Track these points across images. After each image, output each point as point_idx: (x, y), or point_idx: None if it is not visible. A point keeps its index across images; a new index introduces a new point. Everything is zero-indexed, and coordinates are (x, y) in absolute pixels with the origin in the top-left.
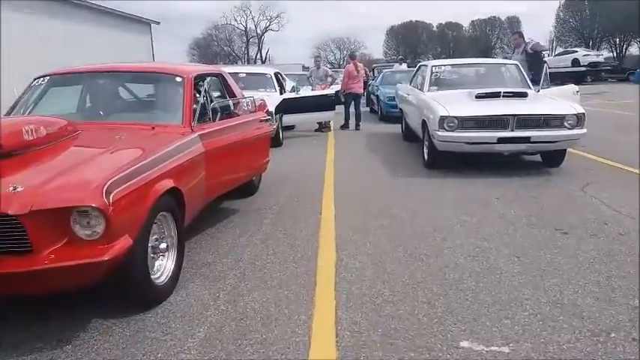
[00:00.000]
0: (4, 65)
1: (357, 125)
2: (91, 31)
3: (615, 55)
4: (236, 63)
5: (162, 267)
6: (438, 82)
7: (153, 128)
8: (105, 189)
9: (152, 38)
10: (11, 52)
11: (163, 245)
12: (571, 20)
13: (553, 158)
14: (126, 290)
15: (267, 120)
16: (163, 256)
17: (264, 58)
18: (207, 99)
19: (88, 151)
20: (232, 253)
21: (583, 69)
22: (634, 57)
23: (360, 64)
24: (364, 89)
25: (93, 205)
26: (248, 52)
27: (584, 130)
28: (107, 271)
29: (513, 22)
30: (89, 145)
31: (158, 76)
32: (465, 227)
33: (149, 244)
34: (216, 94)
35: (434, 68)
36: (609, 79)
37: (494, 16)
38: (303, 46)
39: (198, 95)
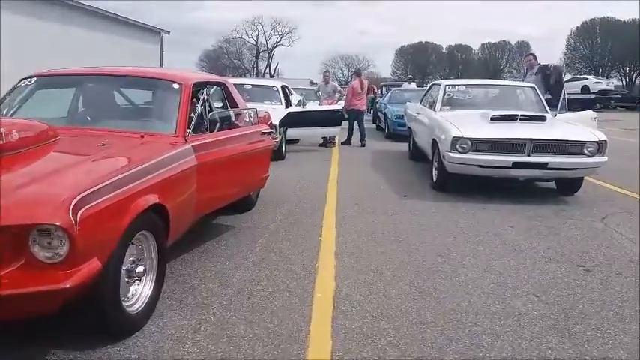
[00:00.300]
0: (7, 70)
1: (363, 142)
2: (100, 38)
3: (625, 83)
4: (245, 76)
5: (138, 293)
6: (451, 102)
7: (142, 137)
8: (72, 204)
9: (162, 47)
10: (16, 57)
11: (140, 268)
12: (581, 47)
13: (569, 186)
14: (93, 318)
15: (269, 133)
16: (140, 280)
17: (272, 72)
18: (205, 108)
19: (64, 159)
20: (220, 276)
21: (592, 96)
22: None
23: (366, 81)
24: (373, 106)
25: (56, 223)
26: (257, 66)
27: (605, 159)
28: (70, 299)
29: (523, 47)
30: (67, 153)
31: (154, 82)
32: (478, 258)
33: (123, 267)
34: (217, 104)
35: (447, 87)
36: (618, 107)
37: (504, 41)
38: (312, 62)
39: (196, 104)
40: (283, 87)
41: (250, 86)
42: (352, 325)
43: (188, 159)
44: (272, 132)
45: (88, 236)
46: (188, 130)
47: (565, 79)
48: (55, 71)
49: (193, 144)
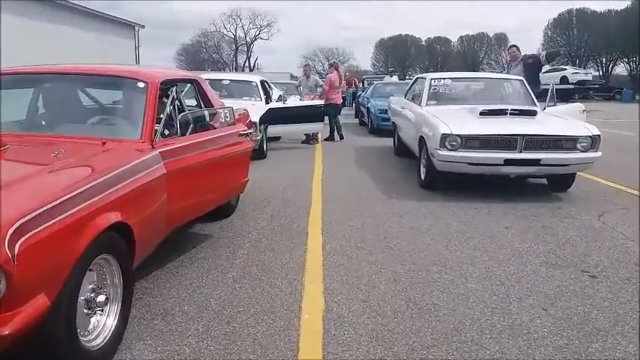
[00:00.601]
0: None
1: (341, 135)
2: (70, 32)
3: (601, 73)
4: (224, 70)
5: (100, 326)
6: (437, 97)
7: (103, 143)
8: (9, 234)
9: (138, 42)
10: None
11: (102, 298)
12: (559, 38)
13: (561, 182)
14: (45, 358)
15: (247, 134)
16: (102, 311)
17: (252, 67)
18: (174, 109)
19: (8, 173)
20: (197, 296)
21: (571, 86)
22: (621, 76)
23: (348, 74)
24: (354, 100)
25: None
26: (236, 60)
27: (599, 154)
28: (11, 346)
29: (501, 39)
30: (12, 166)
31: (117, 81)
32: (476, 266)
33: (81, 298)
34: (188, 103)
35: (433, 81)
36: (595, 97)
37: (483, 32)
38: (292, 56)
39: (165, 104)
40: (262, 82)
41: (228, 82)
42: (345, 354)
43: (155, 167)
44: (251, 132)
45: (31, 270)
46: (156, 135)
47: (544, 70)
48: (4, 70)
49: (162, 150)
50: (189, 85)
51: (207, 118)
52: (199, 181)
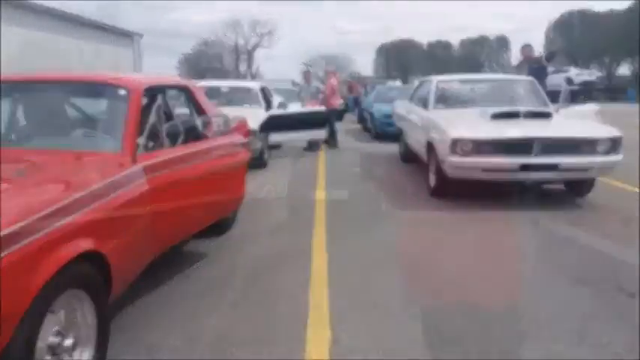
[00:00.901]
0: None
1: (334, 143)
2: (66, 42)
3: (605, 74)
4: (226, 78)
5: None
6: (445, 100)
7: (78, 158)
8: None
9: (139, 51)
10: None
11: (69, 342)
12: (560, 40)
13: (580, 187)
14: None
15: (243, 144)
16: (70, 357)
17: (253, 74)
18: (160, 118)
19: None
20: (188, 327)
21: (576, 88)
22: (625, 77)
23: (349, 80)
24: (357, 106)
25: None
26: (238, 68)
27: (620, 157)
28: None
29: (502, 42)
30: None
31: (96, 88)
32: (500, 288)
33: (43, 343)
34: (178, 111)
35: (439, 84)
36: (601, 98)
37: (483, 35)
38: (294, 63)
39: (149, 113)
40: (263, 88)
41: (227, 89)
42: None
43: (136, 184)
44: (246, 142)
45: None
46: (138, 147)
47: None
48: None
49: (145, 164)
50: (179, 91)
51: (198, 128)
52: (188, 197)
